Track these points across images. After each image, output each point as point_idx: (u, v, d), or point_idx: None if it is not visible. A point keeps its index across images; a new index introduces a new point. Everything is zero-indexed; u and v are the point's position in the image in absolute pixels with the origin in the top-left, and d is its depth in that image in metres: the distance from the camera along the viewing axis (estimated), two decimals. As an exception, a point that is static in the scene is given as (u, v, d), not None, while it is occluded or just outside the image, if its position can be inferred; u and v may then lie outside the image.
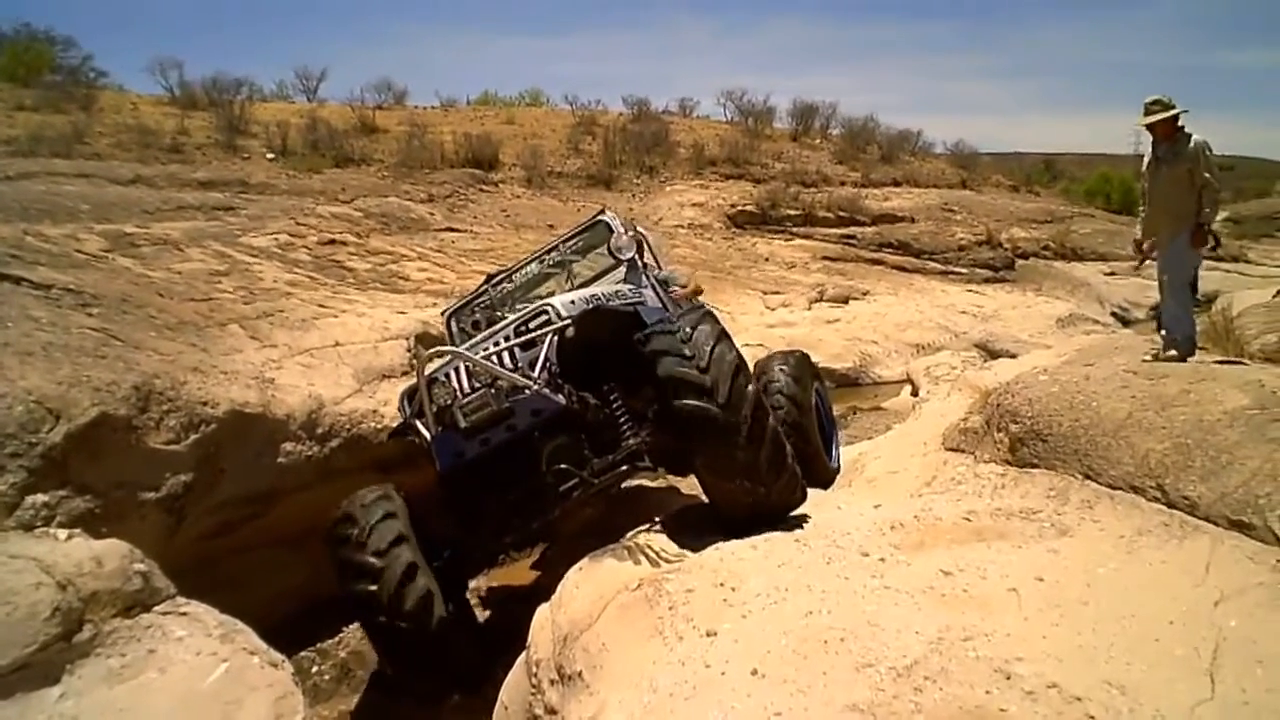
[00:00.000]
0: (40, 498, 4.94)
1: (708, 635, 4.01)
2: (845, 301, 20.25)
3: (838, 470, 7.83)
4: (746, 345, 15.26)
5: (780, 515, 5.33)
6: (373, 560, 5.25)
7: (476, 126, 28.35)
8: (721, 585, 4.40)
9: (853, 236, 26.02)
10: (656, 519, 5.75)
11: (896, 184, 32.59)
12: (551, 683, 4.40)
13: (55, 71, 24.95)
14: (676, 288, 7.60)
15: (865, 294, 21.08)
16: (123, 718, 3.54)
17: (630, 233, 7.43)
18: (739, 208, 26.38)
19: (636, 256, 7.34)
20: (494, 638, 6.02)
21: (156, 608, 4.15)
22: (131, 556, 4.24)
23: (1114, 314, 22.93)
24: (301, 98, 32.92)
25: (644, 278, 7.31)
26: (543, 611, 5.06)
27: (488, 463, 5.59)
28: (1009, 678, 3.30)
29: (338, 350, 8.55)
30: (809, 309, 19.23)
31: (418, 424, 5.85)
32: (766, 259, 23.12)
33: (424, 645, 5.26)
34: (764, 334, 16.54)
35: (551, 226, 20.09)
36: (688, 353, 5.08)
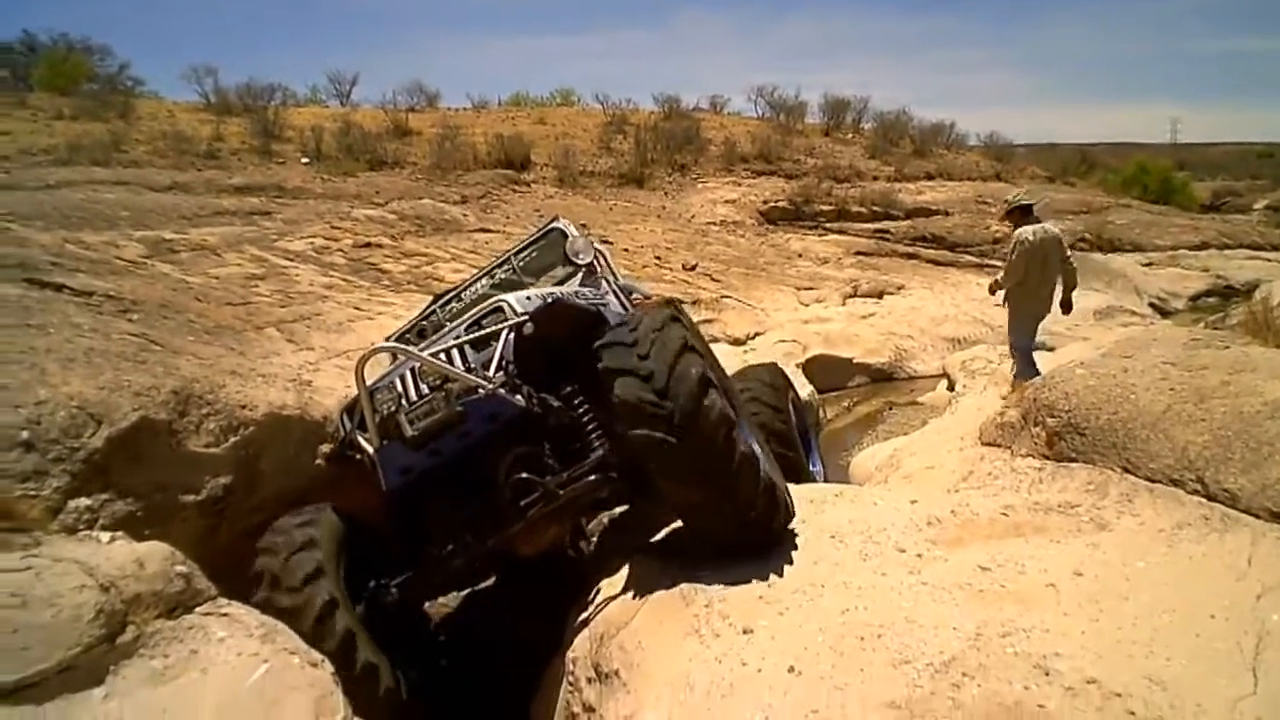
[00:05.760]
0: (83, 501, 5.01)
1: (744, 632, 4.00)
2: (880, 296, 20.13)
3: (823, 479, 7.58)
4: (781, 341, 15.36)
5: (759, 543, 4.65)
6: (286, 599, 4.67)
7: (508, 127, 28.43)
8: (757, 582, 4.38)
9: (886, 231, 25.86)
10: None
11: (930, 177, 32.36)
12: (589, 681, 4.40)
13: (92, 80, 25.31)
14: (639, 296, 7.04)
15: (900, 288, 20.94)
16: (166, 718, 3.58)
17: (586, 238, 6.88)
18: (771, 204, 26.28)
19: (596, 262, 6.79)
20: (528, 638, 5.93)
21: (198, 609, 4.18)
22: (173, 558, 4.27)
23: (1152, 305, 22.56)
24: (334, 102, 33.28)
25: (604, 284, 6.71)
26: (579, 609, 5.08)
27: (439, 477, 5.06)
28: (1048, 673, 3.28)
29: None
30: (843, 304, 19.12)
31: (359, 439, 5.30)
32: (800, 255, 23.03)
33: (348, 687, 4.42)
34: (799, 330, 16.48)
35: (584, 225, 20.10)
36: (644, 371, 4.24)
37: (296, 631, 4.48)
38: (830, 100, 37.34)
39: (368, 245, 15.00)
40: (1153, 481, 4.94)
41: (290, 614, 4.58)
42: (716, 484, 4.32)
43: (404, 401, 5.11)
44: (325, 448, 5.85)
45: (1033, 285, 8.91)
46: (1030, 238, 8.81)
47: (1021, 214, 9.08)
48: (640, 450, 4.29)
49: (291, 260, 12.85)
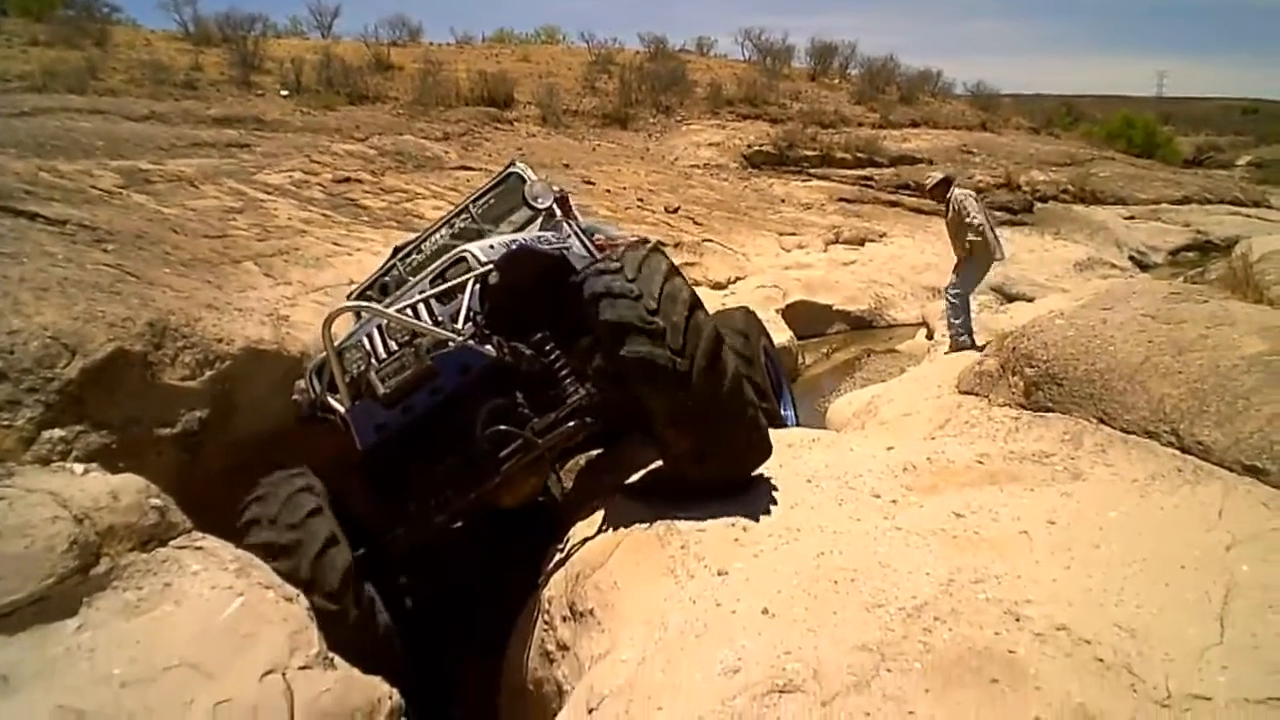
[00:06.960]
0: (57, 432, 4.98)
1: (719, 574, 4.02)
2: (861, 243, 20.08)
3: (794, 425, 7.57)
4: (762, 286, 15.34)
5: (742, 474, 4.77)
6: (286, 535, 4.62)
7: (492, 64, 28.16)
8: (733, 525, 4.41)
9: (870, 178, 25.78)
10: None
11: (915, 125, 32.28)
12: (563, 619, 4.43)
13: (69, 7, 24.82)
14: (602, 237, 6.82)
15: (882, 236, 20.89)
16: (139, 650, 3.56)
17: (545, 181, 6.68)
18: (756, 148, 26.15)
19: (555, 206, 6.55)
20: (502, 582, 5.90)
21: (173, 542, 4.15)
22: (148, 491, 4.24)
23: (1132, 258, 22.64)
24: (316, 34, 32.85)
25: (565, 226, 6.51)
26: (555, 550, 5.10)
27: (414, 434, 4.98)
28: (1018, 620, 3.31)
29: (352, 288, 8.53)
30: (825, 251, 19.07)
31: (330, 400, 5.19)
32: (783, 200, 22.93)
33: (347, 625, 4.49)
34: (779, 275, 16.45)
35: (567, 165, 19.96)
36: (635, 292, 4.29)
37: (294, 569, 4.46)
38: (817, 45, 37.25)
39: (347, 180, 14.85)
40: (1128, 433, 4.97)
41: (288, 550, 4.55)
42: (724, 433, 4.46)
43: (373, 360, 5.06)
44: (300, 383, 5.79)
45: (987, 240, 9.72)
46: (976, 198, 9.84)
47: (944, 186, 10.18)
48: (633, 367, 4.25)
49: (270, 194, 12.70)
